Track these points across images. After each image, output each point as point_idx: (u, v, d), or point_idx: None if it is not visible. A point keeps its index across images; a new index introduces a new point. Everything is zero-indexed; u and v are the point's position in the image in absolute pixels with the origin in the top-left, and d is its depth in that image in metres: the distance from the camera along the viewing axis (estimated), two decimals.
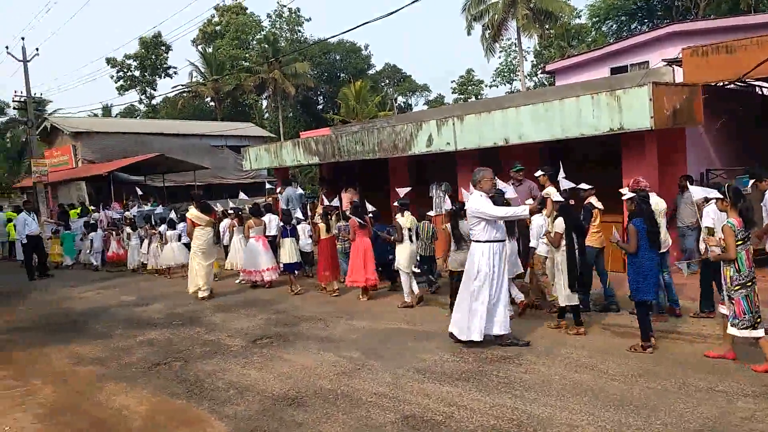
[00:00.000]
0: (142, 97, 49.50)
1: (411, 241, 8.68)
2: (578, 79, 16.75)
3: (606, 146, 9.33)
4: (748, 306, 5.14)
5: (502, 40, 35.81)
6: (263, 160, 15.82)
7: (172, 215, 13.69)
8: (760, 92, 11.41)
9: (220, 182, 28.47)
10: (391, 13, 11.21)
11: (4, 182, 41.07)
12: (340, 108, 38.46)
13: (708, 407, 4.46)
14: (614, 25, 34.14)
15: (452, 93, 52.19)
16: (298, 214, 11.17)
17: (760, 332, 5.12)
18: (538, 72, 39.97)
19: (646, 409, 4.49)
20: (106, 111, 49.86)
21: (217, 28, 48.28)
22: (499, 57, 44.89)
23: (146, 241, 13.72)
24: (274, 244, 10.94)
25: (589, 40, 36.00)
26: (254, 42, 48.71)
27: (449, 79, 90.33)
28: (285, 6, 48.83)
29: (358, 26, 31.40)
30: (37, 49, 24.07)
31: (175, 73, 49.54)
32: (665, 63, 10.89)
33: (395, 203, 9.15)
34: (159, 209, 17.07)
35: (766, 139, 10.89)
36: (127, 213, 16.07)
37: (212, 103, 47.26)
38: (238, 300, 9.96)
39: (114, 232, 15.31)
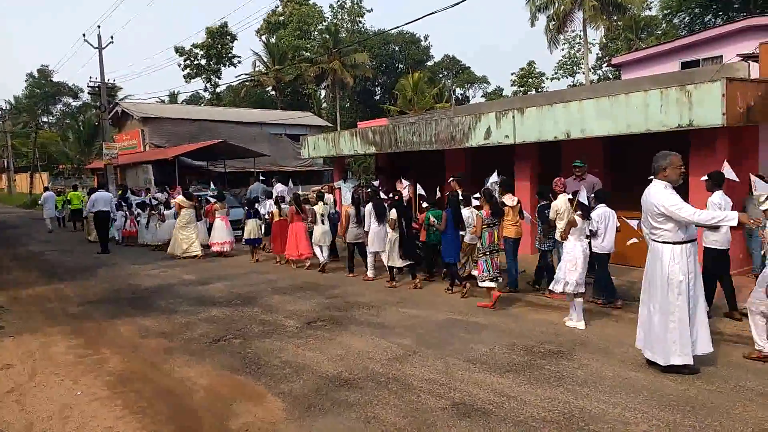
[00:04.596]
0: (207, 85, 51.11)
1: (323, 222, 11.31)
2: (646, 73, 16.18)
3: (672, 143, 9.03)
4: None
5: (567, 31, 34.98)
6: (321, 148, 16.11)
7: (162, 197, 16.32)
8: None
9: (278, 169, 29.12)
10: (455, 4, 11.16)
11: (77, 163, 43.32)
12: (398, 99, 38.54)
13: (767, 412, 4.33)
14: (686, 18, 32.68)
15: (511, 85, 51.41)
16: (266, 203, 13.75)
17: None
18: (603, 65, 38.81)
19: (703, 411, 4.39)
20: (173, 98, 51.65)
21: (281, 18, 49.21)
22: (563, 49, 43.84)
23: (149, 221, 16.07)
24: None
25: (659, 32, 34.62)
26: (315, 32, 49.38)
27: (509, 71, 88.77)
28: None
29: (418, 18, 31.31)
30: (111, 38, 25.23)
31: (239, 62, 50.93)
32: (740, 58, 10.42)
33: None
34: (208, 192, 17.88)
35: None
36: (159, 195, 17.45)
37: (273, 92, 48.27)
38: (294, 284, 10.25)
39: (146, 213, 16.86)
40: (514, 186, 11.12)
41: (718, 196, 6.80)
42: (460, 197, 8.81)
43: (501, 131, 10.63)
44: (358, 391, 5.08)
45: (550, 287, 7.35)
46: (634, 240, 7.11)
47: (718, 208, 6.64)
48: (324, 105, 50.26)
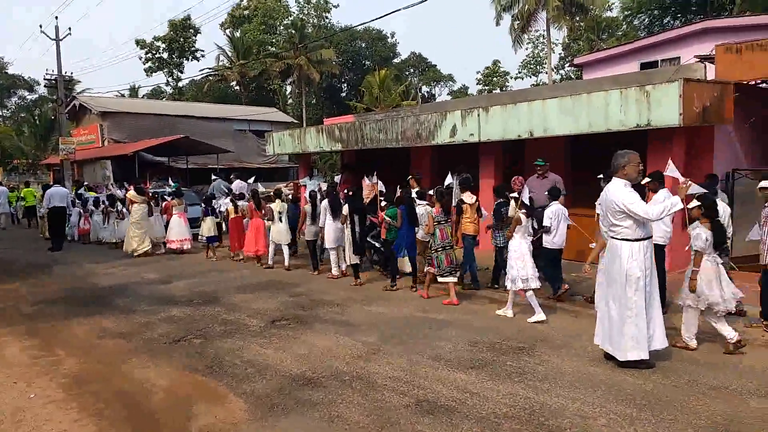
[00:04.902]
0: (169, 79, 49.99)
1: (281, 221, 11.23)
2: (606, 73, 16.52)
3: (634, 141, 9.24)
4: None
5: (531, 31, 35.45)
6: (286, 145, 15.96)
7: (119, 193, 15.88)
8: None
9: (242, 166, 28.74)
10: (421, 1, 11.17)
11: (33, 158, 41.89)
12: (364, 96, 38.46)
13: (720, 405, 4.46)
14: (646, 19, 33.47)
15: (477, 84, 51.86)
16: (223, 200, 13.81)
17: None
18: (566, 65, 39.51)
19: (659, 404, 4.51)
20: (134, 92, 50.49)
21: (245, 12, 48.49)
22: (527, 49, 44.42)
23: (107, 217, 15.63)
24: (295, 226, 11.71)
25: (620, 33, 35.41)
26: (281, 27, 48.85)
27: (474, 70, 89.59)
28: None
29: (385, 15, 31.32)
30: (69, 29, 24.46)
31: (203, 56, 49.96)
32: (697, 59, 10.72)
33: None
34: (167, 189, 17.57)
35: None
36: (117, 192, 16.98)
37: (237, 88, 47.56)
38: (257, 282, 10.13)
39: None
40: (478, 184, 11.21)
41: (663, 194, 6.95)
42: (416, 195, 9.00)
43: (466, 129, 10.70)
44: (321, 390, 5.04)
45: (509, 284, 7.45)
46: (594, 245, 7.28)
47: None
48: (290, 101, 49.80)
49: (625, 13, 34.42)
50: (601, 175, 7.36)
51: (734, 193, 9.38)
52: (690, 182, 5.67)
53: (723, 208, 6.88)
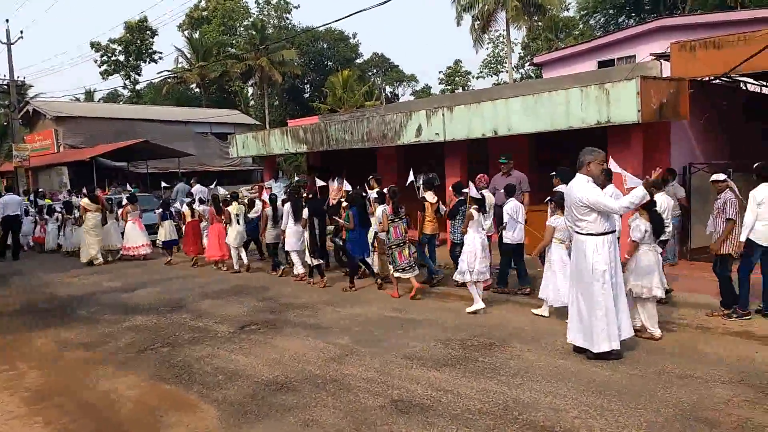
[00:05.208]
0: (127, 82, 48.81)
1: (238, 223, 11.27)
2: (566, 72, 16.84)
3: (595, 139, 9.44)
4: None
5: (491, 31, 35.87)
6: (250, 147, 15.76)
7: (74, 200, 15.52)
8: (744, 88, 11.57)
9: (204, 169, 28.25)
10: (384, 2, 11.18)
11: None
12: (327, 97, 38.25)
13: (687, 393, 4.59)
14: (602, 19, 34.30)
15: (439, 84, 52.22)
16: (177, 204, 13.69)
17: None
18: (526, 64, 40.14)
19: (627, 395, 4.61)
20: (89, 96, 49.10)
21: (204, 13, 47.69)
22: (487, 48, 44.96)
23: (64, 225, 15.28)
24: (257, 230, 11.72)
25: (577, 32, 36.17)
26: (241, 28, 48.23)
27: (437, 70, 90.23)
28: None
29: (347, 16, 31.30)
30: (21, 32, 23.72)
31: (161, 58, 48.96)
32: (653, 57, 11.00)
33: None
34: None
35: (749, 134, 11.07)
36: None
37: (197, 90, 46.74)
38: (224, 287, 9.97)
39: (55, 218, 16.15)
40: (444, 183, 11.28)
41: (611, 190, 7.07)
42: (375, 195, 9.14)
43: (431, 129, 10.76)
44: (295, 395, 4.99)
45: (454, 277, 7.85)
46: None
47: None
48: (252, 103, 49.20)
49: (582, 12, 35.22)
50: (554, 173, 7.65)
51: (691, 186, 9.68)
52: (627, 174, 6.03)
53: (666, 201, 7.09)
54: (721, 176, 6.75)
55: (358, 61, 52.45)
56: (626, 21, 32.14)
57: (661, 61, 10.39)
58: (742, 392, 4.56)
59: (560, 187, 7.14)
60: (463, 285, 7.82)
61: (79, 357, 6.45)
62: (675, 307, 7.10)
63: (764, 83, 11.84)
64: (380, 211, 8.76)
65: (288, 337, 6.73)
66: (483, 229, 7.68)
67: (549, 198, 7.10)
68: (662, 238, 6.63)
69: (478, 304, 7.36)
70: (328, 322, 7.31)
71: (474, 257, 7.34)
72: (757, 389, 4.60)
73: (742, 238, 6.44)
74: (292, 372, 5.55)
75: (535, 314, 7.08)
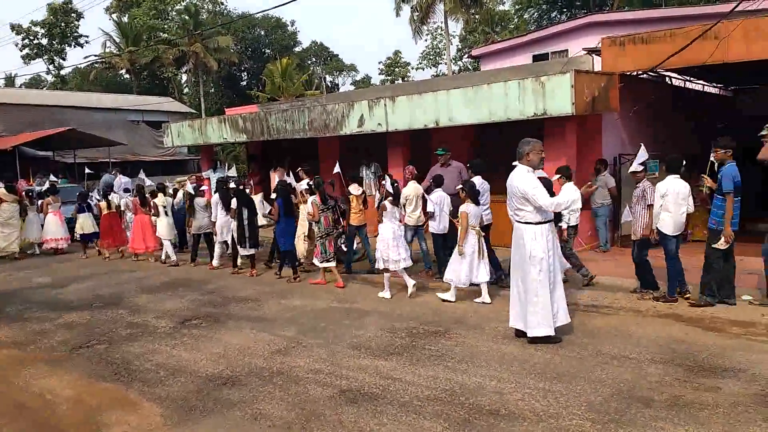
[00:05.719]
0: (50, 67, 46.24)
1: (167, 215, 11.16)
2: (503, 65, 17.26)
3: (533, 130, 9.72)
4: None
5: (430, 23, 36.16)
6: (186, 136, 15.31)
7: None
8: (670, 83, 12.18)
9: (137, 159, 27.18)
10: None
11: None
12: (266, 85, 37.53)
13: (623, 373, 4.84)
14: (535, 13, 35.27)
15: (379, 74, 52.28)
16: (97, 196, 13.28)
17: None
18: (464, 56, 40.74)
19: (567, 376, 4.81)
20: (9, 81, 46.23)
21: None
22: (426, 40, 45.33)
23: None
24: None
25: (512, 26, 37.02)
26: (173, 13, 46.51)
27: (376, 60, 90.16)
28: None
29: (284, 3, 30.69)
30: None
31: (87, 42, 46.62)
32: (585, 51, 11.41)
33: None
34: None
35: (675, 126, 11.70)
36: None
37: (128, 76, 44.83)
38: (162, 282, 9.67)
39: None
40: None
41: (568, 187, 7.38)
42: (306, 186, 9.20)
43: (374, 119, 10.78)
44: (242, 389, 4.92)
45: (376, 266, 8.03)
46: None
47: None
48: (186, 90, 47.66)
49: (517, 6, 36.07)
50: (468, 164, 8.17)
51: (621, 176, 10.13)
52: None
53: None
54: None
55: (296, 49, 51.74)
56: (558, 16, 33.18)
57: (593, 55, 10.79)
58: (673, 371, 4.85)
59: (475, 179, 7.75)
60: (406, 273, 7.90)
61: (9, 356, 6.11)
62: (609, 291, 7.43)
63: (687, 78, 12.52)
64: (310, 200, 8.82)
65: (232, 331, 6.62)
66: (396, 219, 7.96)
67: (461, 187, 7.47)
68: (564, 224, 7.31)
69: (386, 293, 7.73)
70: (272, 314, 7.24)
71: (386, 246, 7.69)
72: (686, 368, 4.90)
73: (654, 227, 6.85)
74: (237, 366, 5.46)
75: (443, 299, 7.37)
